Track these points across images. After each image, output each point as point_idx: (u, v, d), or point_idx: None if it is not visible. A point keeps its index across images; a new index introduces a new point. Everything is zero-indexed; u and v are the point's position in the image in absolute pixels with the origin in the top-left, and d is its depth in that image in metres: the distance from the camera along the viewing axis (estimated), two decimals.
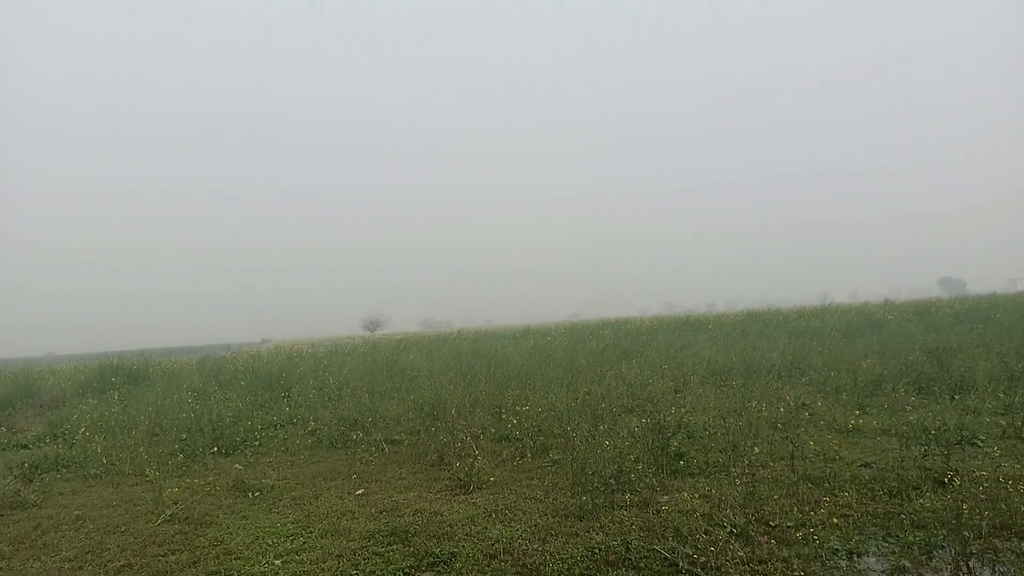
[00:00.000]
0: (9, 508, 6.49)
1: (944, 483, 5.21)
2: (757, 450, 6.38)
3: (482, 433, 8.13)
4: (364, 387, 11.31)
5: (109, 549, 5.13)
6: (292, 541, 5.03)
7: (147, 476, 7.32)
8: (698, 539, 4.33)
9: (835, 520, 4.61)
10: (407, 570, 4.37)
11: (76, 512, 6.21)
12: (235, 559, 4.76)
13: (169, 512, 5.85)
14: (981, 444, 6.40)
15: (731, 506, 4.87)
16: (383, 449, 7.98)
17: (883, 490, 5.19)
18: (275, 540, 5.07)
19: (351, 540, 4.93)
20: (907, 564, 3.96)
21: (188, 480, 7.15)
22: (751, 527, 4.51)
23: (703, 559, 4.07)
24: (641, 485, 5.57)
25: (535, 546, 4.54)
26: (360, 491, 6.32)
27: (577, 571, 4.17)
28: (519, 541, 4.63)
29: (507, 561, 4.34)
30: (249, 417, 10.05)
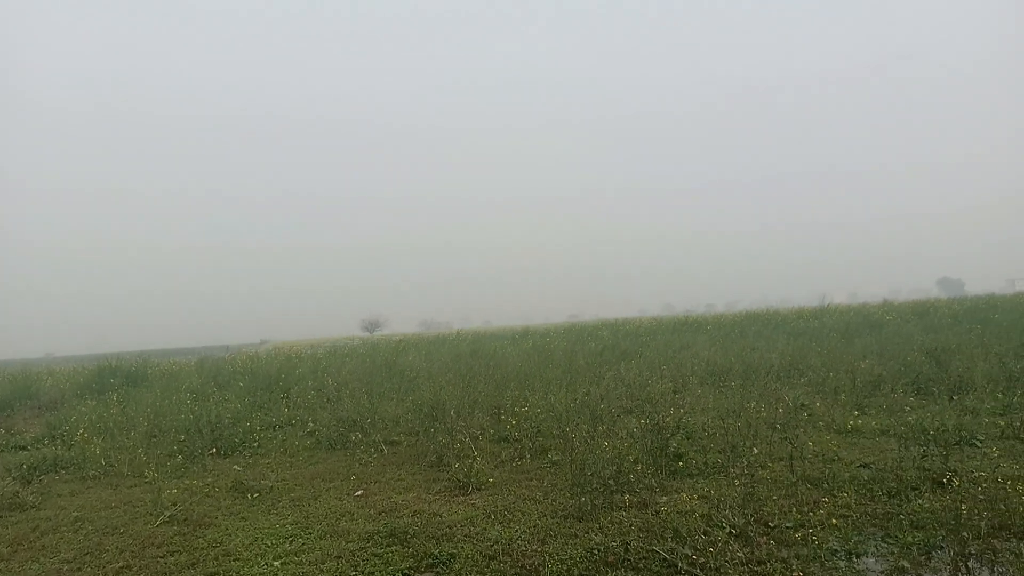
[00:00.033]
0: (8, 510, 6.48)
1: (943, 484, 5.21)
2: (756, 451, 6.38)
3: (481, 434, 8.13)
4: (363, 388, 11.31)
5: (108, 550, 5.12)
6: (291, 542, 5.03)
7: (146, 477, 7.31)
8: (697, 540, 4.33)
9: (834, 521, 4.62)
10: (406, 571, 4.37)
11: (75, 513, 6.21)
12: (234, 560, 4.75)
13: (168, 513, 5.84)
14: (980, 444, 6.41)
15: (730, 507, 4.88)
16: (382, 450, 7.98)
17: (882, 491, 5.19)
18: (274, 541, 5.07)
19: (350, 541, 4.93)
20: (906, 564, 3.97)
21: (187, 481, 7.14)
22: (750, 528, 4.52)
23: (702, 560, 4.07)
24: (640, 486, 5.57)
25: (534, 547, 4.54)
26: (359, 492, 6.32)
27: (576, 572, 4.16)
28: (518, 542, 4.63)
29: (506, 562, 4.34)
30: (248, 418, 10.04)
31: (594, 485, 5.41)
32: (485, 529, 4.97)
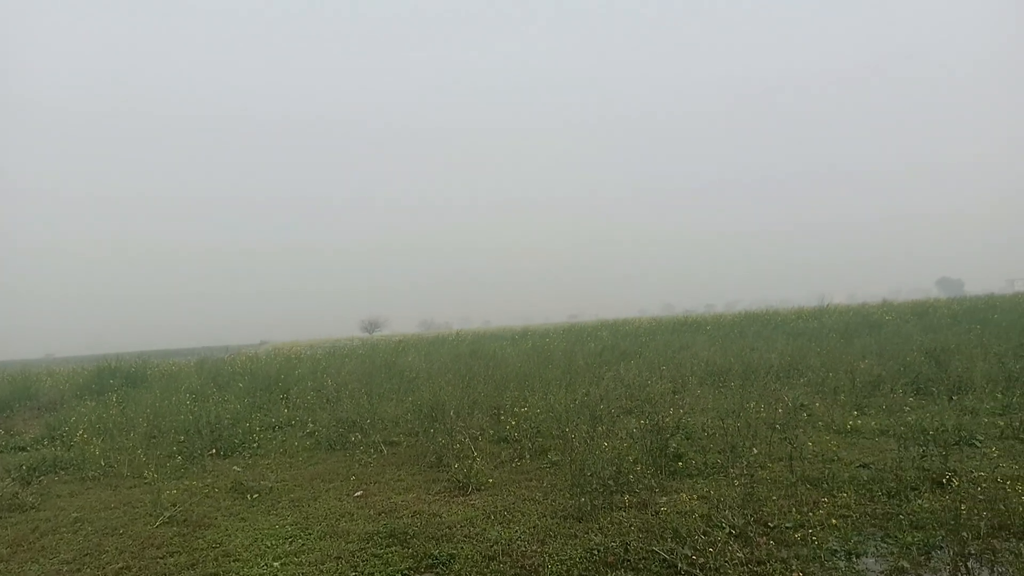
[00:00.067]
0: (7, 510, 6.47)
1: (942, 484, 5.21)
2: (755, 451, 6.38)
3: (481, 434, 8.12)
4: (363, 389, 11.31)
5: (107, 551, 5.12)
6: (291, 543, 5.03)
7: (145, 478, 7.31)
8: (697, 540, 4.33)
9: (834, 521, 4.62)
10: (406, 571, 4.36)
11: (74, 514, 6.20)
12: (233, 561, 4.75)
13: (167, 514, 5.84)
14: (979, 444, 6.41)
15: (730, 507, 4.88)
16: (382, 451, 7.97)
17: (881, 491, 5.19)
18: (274, 542, 5.06)
19: (350, 542, 4.93)
20: (906, 565, 3.97)
21: (186, 482, 7.14)
22: (750, 528, 4.52)
23: (702, 560, 4.07)
24: (640, 486, 5.57)
25: (534, 547, 4.54)
26: (359, 493, 6.32)
27: (576, 572, 4.16)
28: (518, 542, 4.63)
29: (506, 563, 4.34)
30: (247, 419, 10.03)
31: (594, 485, 5.41)
32: (485, 529, 4.97)
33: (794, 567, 3.98)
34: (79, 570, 4.80)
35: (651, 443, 6.47)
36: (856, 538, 4.39)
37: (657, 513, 5.02)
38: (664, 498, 5.39)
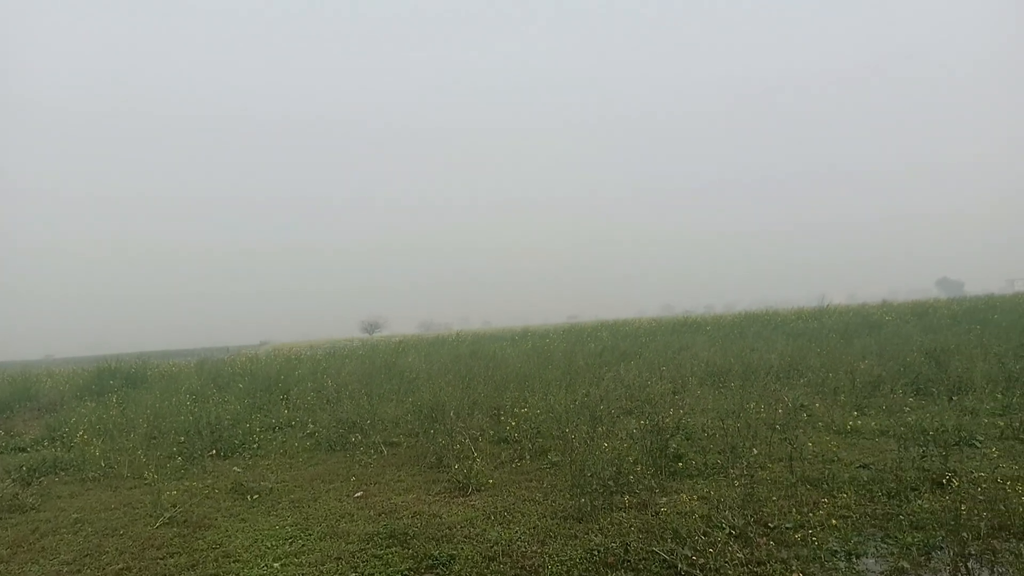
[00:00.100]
0: (7, 511, 6.48)
1: (942, 484, 5.22)
2: (756, 451, 6.38)
3: (481, 435, 8.12)
4: (363, 389, 11.31)
5: (107, 552, 5.12)
6: (291, 544, 5.03)
7: (145, 479, 7.30)
8: (697, 541, 4.33)
9: (834, 521, 4.62)
10: (406, 572, 4.37)
11: (74, 515, 6.20)
12: (234, 562, 4.75)
13: (167, 515, 5.84)
14: (979, 445, 6.41)
15: (730, 508, 4.88)
16: (382, 451, 7.98)
17: (881, 491, 5.19)
18: (274, 543, 5.07)
19: (350, 543, 4.93)
20: (906, 565, 3.97)
21: (186, 483, 7.14)
22: (750, 528, 4.52)
23: (702, 561, 4.08)
24: (640, 487, 5.57)
25: (534, 548, 4.54)
26: (359, 493, 6.32)
27: (576, 573, 4.17)
28: (518, 543, 4.63)
29: (506, 563, 4.34)
30: (247, 420, 10.03)
31: (594, 486, 5.41)
32: (485, 530, 4.97)
33: (794, 568, 3.98)
34: (79, 571, 4.80)
35: (651, 444, 6.48)
36: (856, 539, 4.39)
37: (657, 514, 5.03)
38: (664, 499, 5.39)
